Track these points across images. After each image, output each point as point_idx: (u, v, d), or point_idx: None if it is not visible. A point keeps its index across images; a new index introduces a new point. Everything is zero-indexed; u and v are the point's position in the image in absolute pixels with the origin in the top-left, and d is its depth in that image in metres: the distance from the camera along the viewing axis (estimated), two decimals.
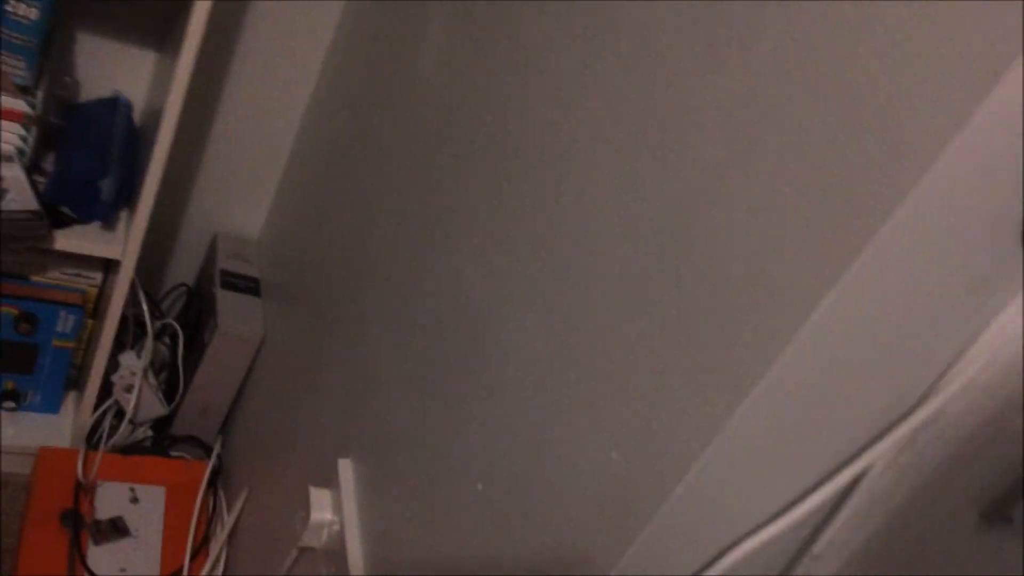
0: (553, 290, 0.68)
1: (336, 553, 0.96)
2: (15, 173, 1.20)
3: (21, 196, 1.17)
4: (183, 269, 1.68)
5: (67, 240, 1.25)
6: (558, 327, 0.66)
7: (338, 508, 0.99)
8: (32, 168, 1.25)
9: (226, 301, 1.48)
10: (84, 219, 1.27)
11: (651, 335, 0.56)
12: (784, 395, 0.48)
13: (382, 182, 1.10)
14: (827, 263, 0.44)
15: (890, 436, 0.52)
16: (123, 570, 1.31)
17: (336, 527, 0.98)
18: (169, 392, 1.55)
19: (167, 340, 1.59)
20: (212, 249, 1.61)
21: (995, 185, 0.42)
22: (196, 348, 1.51)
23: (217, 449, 1.54)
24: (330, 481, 1.04)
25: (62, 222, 1.26)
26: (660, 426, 0.54)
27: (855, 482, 0.54)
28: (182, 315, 1.67)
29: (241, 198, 1.61)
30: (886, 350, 0.48)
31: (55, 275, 1.38)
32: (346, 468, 1.02)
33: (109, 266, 1.40)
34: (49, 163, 1.29)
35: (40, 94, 1.19)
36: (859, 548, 0.57)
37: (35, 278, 1.37)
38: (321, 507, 1.00)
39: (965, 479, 0.58)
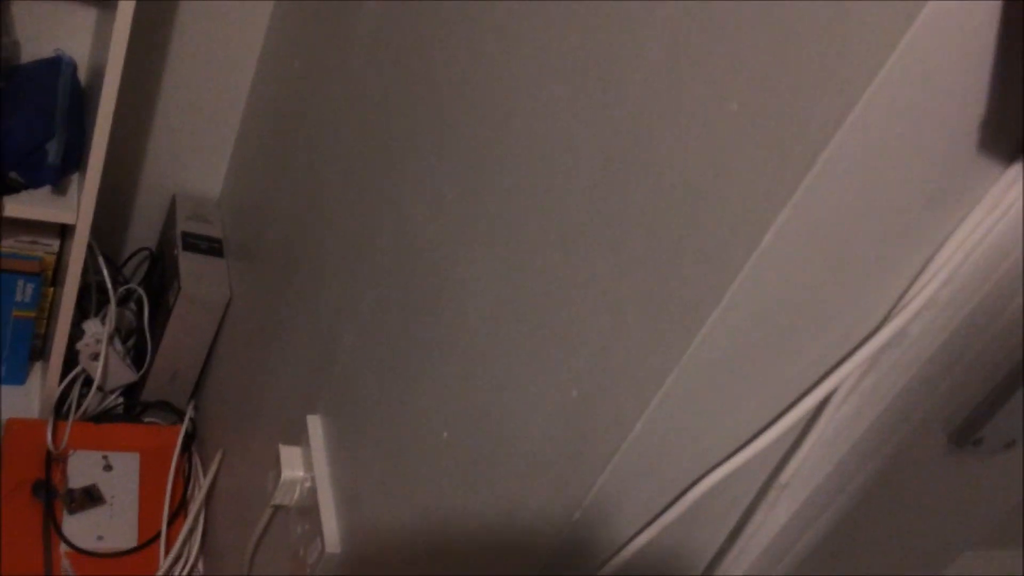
0: (503, 229, 0.66)
1: (309, 509, 0.95)
2: None
3: None
4: (143, 233, 1.64)
5: (18, 206, 1.21)
6: (511, 267, 0.64)
7: (309, 465, 0.98)
8: None
9: (189, 263, 1.45)
10: (33, 184, 1.23)
11: (603, 269, 0.54)
12: (741, 322, 0.47)
13: (333, 131, 1.06)
14: (778, 181, 0.42)
15: (852, 359, 0.51)
16: (100, 538, 1.30)
17: (308, 484, 0.97)
18: (138, 358, 1.52)
19: (132, 306, 1.56)
20: (172, 211, 1.57)
21: (948, 90, 0.40)
22: (162, 313, 1.48)
23: (190, 413, 1.52)
24: (300, 438, 1.02)
25: (11, 188, 1.22)
26: (618, 361, 0.52)
27: (819, 409, 0.53)
28: (146, 280, 1.64)
29: (197, 157, 1.57)
30: (844, 271, 0.47)
31: (9, 243, 1.34)
32: (315, 424, 1.00)
33: (65, 232, 1.36)
34: None
35: None
36: (826, 476, 0.56)
37: None
38: (292, 465, 0.99)
39: (931, 402, 0.57)
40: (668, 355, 0.49)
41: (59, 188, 1.27)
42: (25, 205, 1.22)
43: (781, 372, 0.50)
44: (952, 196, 0.45)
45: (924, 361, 0.54)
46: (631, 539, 0.56)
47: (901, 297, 0.50)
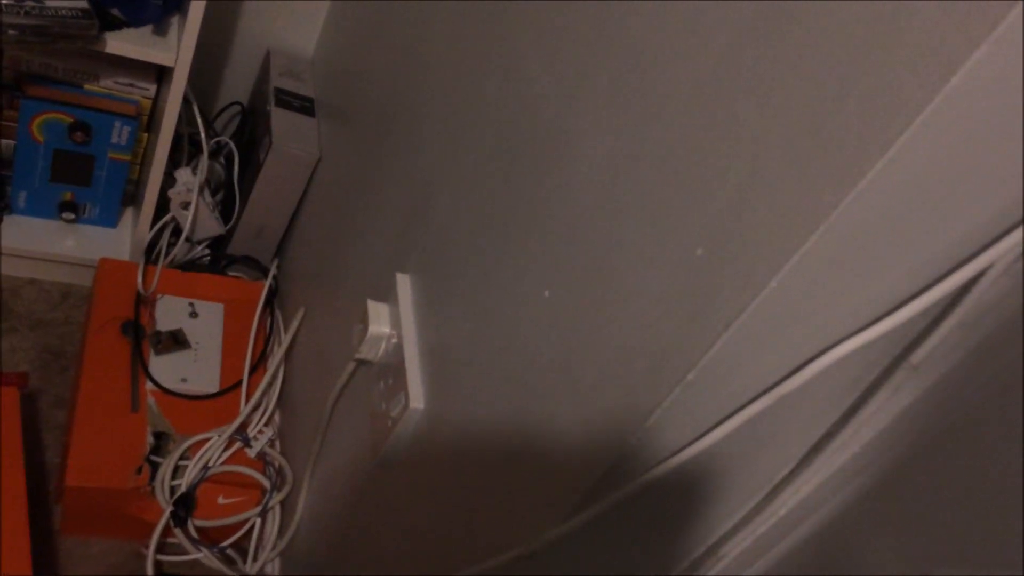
0: (628, 79, 0.62)
1: (393, 366, 0.96)
2: None
3: None
4: (236, 87, 1.63)
5: (119, 43, 1.20)
6: (635, 117, 0.61)
7: (396, 322, 0.97)
8: None
9: (281, 119, 1.44)
10: (135, 22, 1.22)
11: (745, 117, 0.50)
12: (904, 178, 0.43)
13: None
14: (978, 15, 0.38)
15: (1012, 235, 0.47)
16: (184, 380, 1.34)
17: (394, 340, 0.97)
18: (225, 213, 1.53)
19: (222, 160, 1.57)
20: (265, 67, 1.56)
21: None
22: (251, 168, 1.48)
23: (273, 270, 1.54)
24: (388, 296, 1.02)
25: (112, 25, 1.21)
26: (755, 218, 0.49)
27: (967, 287, 0.49)
28: (236, 135, 1.63)
29: (294, 12, 1.54)
30: (1018, 136, 0.42)
31: (108, 84, 1.34)
32: (404, 282, 1.00)
33: (162, 76, 1.36)
34: None
35: None
36: (961, 360, 0.53)
37: (88, 87, 1.34)
38: (379, 320, 0.99)
39: None
40: (814, 213, 0.45)
41: (159, 30, 1.25)
42: (126, 43, 1.21)
43: (935, 239, 0.47)
44: None
45: None
46: (742, 407, 0.54)
47: None
